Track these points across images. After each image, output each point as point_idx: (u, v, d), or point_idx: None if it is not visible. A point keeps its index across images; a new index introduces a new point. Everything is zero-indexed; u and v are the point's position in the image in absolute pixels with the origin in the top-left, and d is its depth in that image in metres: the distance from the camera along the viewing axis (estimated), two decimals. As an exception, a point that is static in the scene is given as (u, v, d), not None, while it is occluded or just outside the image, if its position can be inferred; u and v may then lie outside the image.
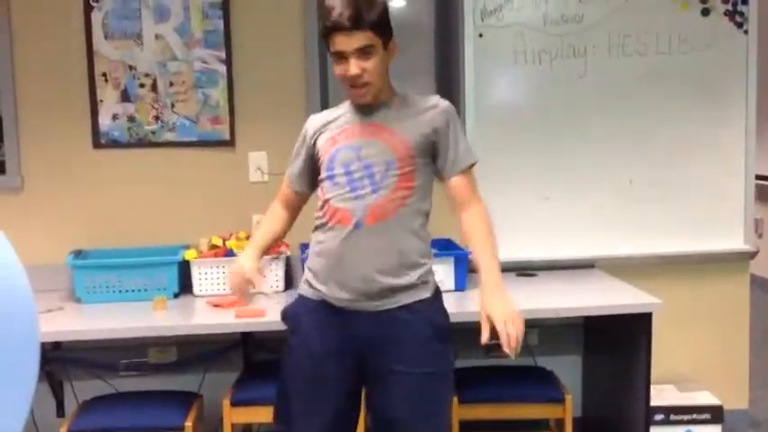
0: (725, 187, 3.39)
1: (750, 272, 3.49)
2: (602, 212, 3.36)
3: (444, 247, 3.05)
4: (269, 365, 3.05)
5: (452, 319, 2.17)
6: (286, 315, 2.21)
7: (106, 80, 3.20)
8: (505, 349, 1.94)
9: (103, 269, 2.97)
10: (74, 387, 3.20)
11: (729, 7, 3.31)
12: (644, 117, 3.34)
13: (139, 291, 2.97)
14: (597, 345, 3.32)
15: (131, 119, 3.22)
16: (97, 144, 3.23)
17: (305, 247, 3.01)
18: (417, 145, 2.09)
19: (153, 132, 3.24)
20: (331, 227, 2.09)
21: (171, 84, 3.22)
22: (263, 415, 2.81)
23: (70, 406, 3.11)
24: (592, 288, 3.10)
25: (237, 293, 2.28)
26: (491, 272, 2.04)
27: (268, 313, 2.72)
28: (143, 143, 3.24)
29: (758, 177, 3.47)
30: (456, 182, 2.12)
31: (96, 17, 3.17)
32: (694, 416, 3.21)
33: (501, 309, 1.97)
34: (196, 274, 3.02)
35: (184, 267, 3.03)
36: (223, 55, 3.22)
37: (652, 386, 2.80)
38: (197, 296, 3.02)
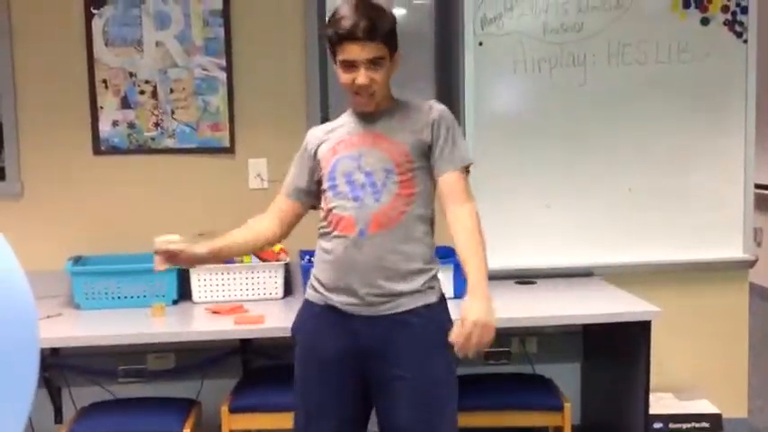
0: (724, 196, 3.40)
1: (749, 280, 3.49)
2: (601, 220, 3.36)
3: (444, 254, 3.04)
4: (267, 372, 3.06)
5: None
6: (294, 329, 2.23)
7: (106, 87, 3.20)
8: (456, 349, 1.95)
9: (102, 275, 2.97)
10: (72, 393, 3.19)
11: (729, 17, 3.31)
12: (643, 125, 3.34)
13: (138, 297, 2.97)
14: (596, 353, 3.32)
15: (131, 125, 3.23)
16: (97, 150, 3.23)
17: (305, 254, 3.03)
18: (414, 148, 2.10)
19: (153, 139, 3.24)
20: (335, 235, 2.10)
21: (171, 91, 3.22)
22: (262, 422, 2.82)
23: (68, 412, 3.10)
24: (591, 296, 3.10)
25: (159, 250, 2.11)
26: (476, 275, 1.99)
27: (267, 320, 2.72)
28: (143, 150, 3.25)
29: (757, 186, 3.47)
30: (449, 177, 2.11)
31: (97, 24, 3.17)
32: (693, 424, 3.21)
33: (476, 314, 1.93)
34: (195, 281, 3.02)
35: (183, 274, 3.02)
36: (223, 62, 3.22)
37: (651, 394, 2.80)
38: (196, 303, 3.02)
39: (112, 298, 2.96)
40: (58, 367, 3.14)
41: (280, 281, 3.06)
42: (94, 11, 3.17)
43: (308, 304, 2.20)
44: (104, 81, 3.20)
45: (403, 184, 2.08)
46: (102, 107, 3.21)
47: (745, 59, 3.33)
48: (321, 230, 2.16)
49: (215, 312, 2.87)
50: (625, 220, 3.36)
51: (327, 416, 2.13)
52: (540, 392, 2.97)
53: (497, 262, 3.11)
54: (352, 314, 2.09)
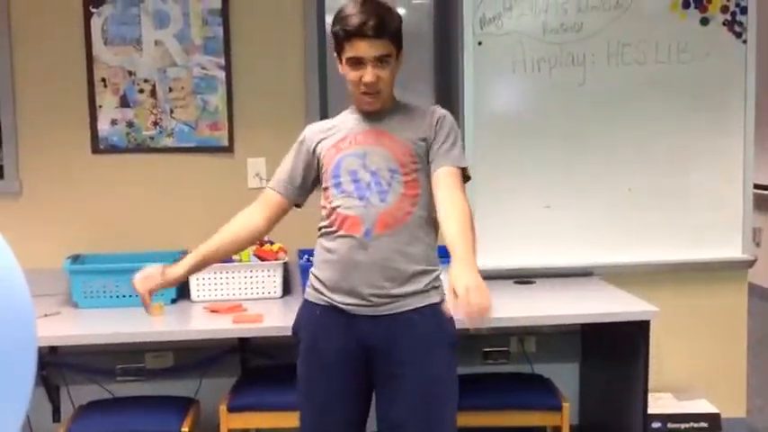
0: (723, 196, 3.40)
1: (748, 280, 3.49)
2: (600, 220, 3.36)
3: (445, 254, 3.04)
4: (266, 371, 3.06)
5: (449, 326, 2.17)
6: (295, 328, 2.22)
7: (105, 86, 3.20)
8: (465, 321, 1.74)
9: (101, 274, 2.96)
10: (70, 392, 3.19)
11: (728, 17, 3.31)
12: (643, 125, 3.34)
13: (137, 296, 2.93)
14: (595, 352, 3.32)
15: (130, 124, 3.23)
16: (96, 149, 3.23)
17: (303, 252, 3.02)
18: (417, 149, 2.10)
19: (152, 138, 3.24)
20: (340, 234, 2.08)
21: (170, 90, 3.22)
22: (260, 421, 2.82)
23: (66, 411, 3.09)
24: (590, 296, 3.09)
25: (142, 295, 2.19)
26: (464, 246, 1.88)
27: (265, 319, 2.72)
28: (142, 148, 3.24)
29: (757, 186, 3.47)
30: (444, 170, 2.07)
31: (96, 23, 3.17)
32: (692, 424, 3.21)
33: (465, 279, 1.76)
34: (194, 280, 3.01)
35: (183, 273, 3.02)
36: (222, 61, 3.22)
37: (649, 394, 2.80)
38: (194, 302, 3.02)
39: (111, 297, 2.96)
40: (57, 366, 3.14)
41: (278, 280, 3.06)
42: (93, 9, 3.17)
43: (308, 304, 2.18)
44: (103, 80, 3.19)
45: (408, 184, 2.08)
46: (100, 106, 3.21)
47: (744, 59, 3.33)
48: (323, 229, 2.14)
49: (213, 311, 2.86)
50: (625, 220, 3.36)
51: (333, 415, 2.13)
52: (538, 392, 2.97)
53: (496, 261, 3.15)
54: (355, 314, 2.08)
